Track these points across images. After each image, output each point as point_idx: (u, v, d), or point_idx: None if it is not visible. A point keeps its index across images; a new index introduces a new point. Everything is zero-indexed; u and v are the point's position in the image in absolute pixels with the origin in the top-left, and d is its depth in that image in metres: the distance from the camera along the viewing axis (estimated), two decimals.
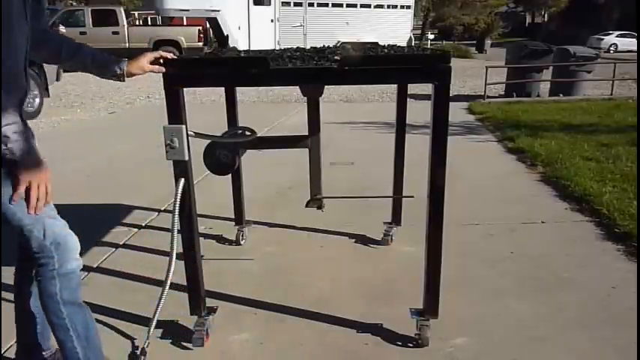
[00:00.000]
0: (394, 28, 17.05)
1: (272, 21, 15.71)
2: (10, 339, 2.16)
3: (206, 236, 3.19)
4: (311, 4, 16.65)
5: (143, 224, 3.47)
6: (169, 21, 17.40)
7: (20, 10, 1.41)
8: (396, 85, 2.95)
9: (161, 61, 1.85)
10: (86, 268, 2.82)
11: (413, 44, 18.50)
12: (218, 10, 14.02)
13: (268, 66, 1.86)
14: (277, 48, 2.67)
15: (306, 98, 2.61)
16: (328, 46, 2.42)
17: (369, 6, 17.19)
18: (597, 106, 8.00)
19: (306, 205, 2.76)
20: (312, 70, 1.93)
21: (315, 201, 2.75)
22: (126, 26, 15.50)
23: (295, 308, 2.41)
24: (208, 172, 2.57)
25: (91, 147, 6.03)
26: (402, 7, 17.76)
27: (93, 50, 1.78)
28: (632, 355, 2.04)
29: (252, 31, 15.06)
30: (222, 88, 2.99)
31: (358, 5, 17.12)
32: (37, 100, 8.05)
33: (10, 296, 2.47)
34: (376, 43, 2.72)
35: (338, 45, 2.63)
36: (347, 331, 2.23)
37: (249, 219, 3.25)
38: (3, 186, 1.46)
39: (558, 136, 5.79)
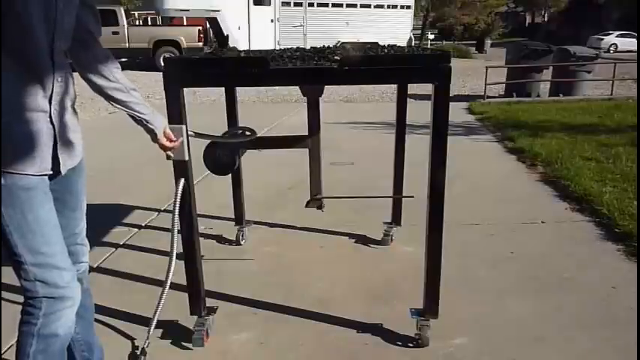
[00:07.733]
0: (394, 28, 17.05)
1: (272, 21, 15.73)
2: (11, 339, 2.16)
3: (206, 236, 3.19)
4: (311, 4, 16.67)
5: (143, 224, 3.47)
6: (169, 21, 17.40)
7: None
8: (396, 85, 2.95)
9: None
10: None
11: (413, 44, 18.50)
12: (218, 10, 14.03)
13: (268, 66, 1.86)
14: (277, 48, 2.67)
15: (306, 98, 2.61)
16: (328, 46, 2.42)
17: (369, 6, 17.20)
18: (597, 106, 8.00)
19: (306, 205, 2.76)
20: (312, 70, 1.93)
21: (315, 201, 2.75)
22: (126, 26, 15.48)
23: (295, 308, 2.41)
24: (208, 172, 2.57)
25: (91, 147, 5.99)
26: (402, 7, 17.78)
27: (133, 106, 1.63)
28: (632, 355, 2.04)
29: (252, 31, 15.06)
30: (222, 88, 2.99)
31: (358, 5, 17.13)
32: None
33: (10, 296, 2.47)
34: (376, 43, 2.72)
35: (338, 45, 2.64)
36: (347, 331, 2.23)
37: (249, 219, 3.25)
38: None
39: (558, 136, 5.79)
